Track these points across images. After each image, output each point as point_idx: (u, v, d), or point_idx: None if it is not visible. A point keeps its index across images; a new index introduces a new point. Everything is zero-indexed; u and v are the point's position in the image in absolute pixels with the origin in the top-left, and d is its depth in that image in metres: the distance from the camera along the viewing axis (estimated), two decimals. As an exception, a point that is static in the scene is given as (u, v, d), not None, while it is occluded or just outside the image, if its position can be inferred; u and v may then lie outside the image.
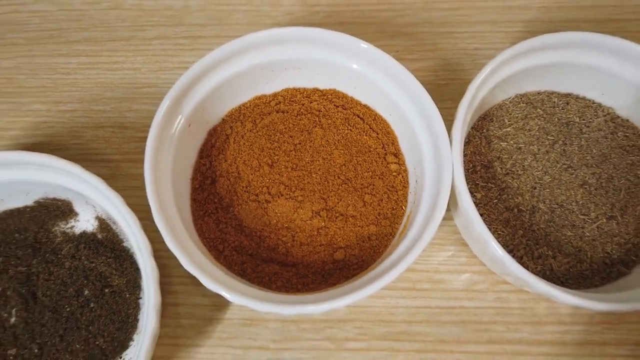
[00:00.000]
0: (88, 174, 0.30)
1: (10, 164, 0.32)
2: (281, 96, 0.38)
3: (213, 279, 0.29)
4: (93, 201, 0.32)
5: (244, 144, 0.36)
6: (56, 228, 0.35)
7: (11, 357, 0.32)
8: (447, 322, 0.35)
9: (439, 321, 0.35)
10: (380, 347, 0.34)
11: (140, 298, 0.34)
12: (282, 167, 0.35)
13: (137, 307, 0.33)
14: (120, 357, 0.33)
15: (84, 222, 0.35)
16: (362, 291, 0.28)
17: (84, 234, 0.35)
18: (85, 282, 0.33)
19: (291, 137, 0.36)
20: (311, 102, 0.37)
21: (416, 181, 0.34)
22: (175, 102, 0.32)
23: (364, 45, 0.33)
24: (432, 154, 0.33)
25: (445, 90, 0.41)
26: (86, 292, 0.33)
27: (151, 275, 0.28)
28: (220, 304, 0.35)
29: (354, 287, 0.30)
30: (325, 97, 0.38)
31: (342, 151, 0.36)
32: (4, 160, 0.31)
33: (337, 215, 0.34)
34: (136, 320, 0.33)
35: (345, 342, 0.35)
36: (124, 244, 0.34)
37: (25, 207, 0.35)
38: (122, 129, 0.39)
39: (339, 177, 0.35)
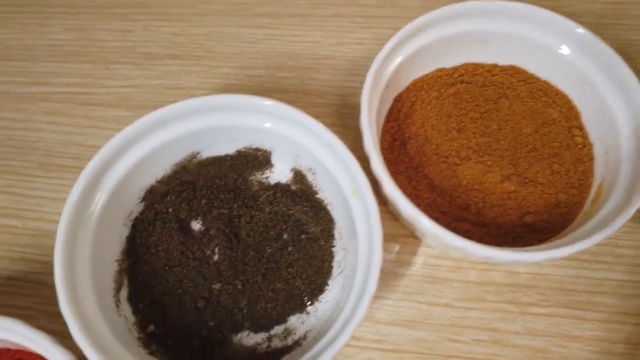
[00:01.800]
0: (311, 119, 0.32)
1: (227, 108, 0.34)
2: (462, 69, 0.39)
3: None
4: (303, 148, 0.34)
5: (431, 110, 0.37)
6: (252, 177, 0.37)
7: (216, 291, 0.34)
8: (631, 295, 0.35)
9: (622, 294, 0.35)
10: (564, 314, 0.35)
11: (334, 246, 0.35)
12: (470, 132, 0.36)
13: (331, 255, 0.35)
14: (317, 300, 0.34)
15: (279, 174, 0.37)
16: (575, 246, 0.29)
17: (278, 184, 0.37)
18: (284, 226, 0.35)
19: (477, 106, 0.37)
20: (493, 76, 0.39)
21: (606, 152, 0.35)
22: (380, 68, 0.34)
23: (572, 24, 0.35)
24: (630, 125, 0.34)
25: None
26: (285, 236, 0.35)
27: (374, 211, 0.30)
28: (402, 260, 0.36)
29: (558, 245, 0.30)
30: (505, 72, 0.39)
31: (529, 121, 0.37)
32: (221, 104, 0.33)
33: (526, 181, 0.35)
34: (330, 267, 0.34)
35: (529, 306, 0.35)
36: (318, 196, 0.36)
37: (227, 156, 0.37)
38: (304, 95, 0.41)
39: (526, 146, 0.36)
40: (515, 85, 0.38)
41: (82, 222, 0.31)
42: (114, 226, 0.34)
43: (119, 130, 0.37)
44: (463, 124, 0.37)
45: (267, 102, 0.32)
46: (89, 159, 0.37)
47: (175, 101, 0.37)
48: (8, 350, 0.31)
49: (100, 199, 0.32)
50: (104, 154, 0.31)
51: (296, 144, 0.34)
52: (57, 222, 0.36)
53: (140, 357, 0.30)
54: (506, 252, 0.29)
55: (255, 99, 0.33)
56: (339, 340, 0.27)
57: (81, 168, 0.37)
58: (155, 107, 0.40)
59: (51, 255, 0.36)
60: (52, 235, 0.36)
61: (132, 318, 0.33)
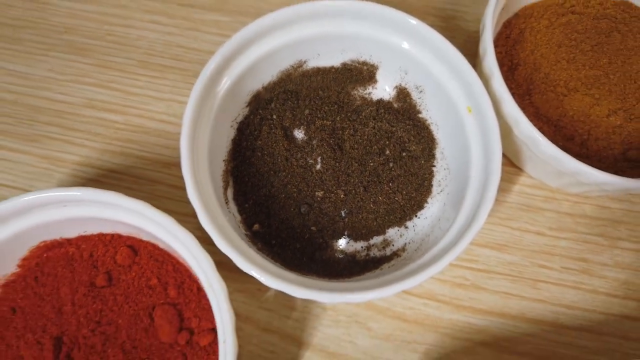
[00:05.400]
0: (436, 33, 0.32)
1: (351, 15, 0.33)
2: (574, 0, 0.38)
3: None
4: (417, 63, 0.34)
5: (541, 38, 0.37)
6: (355, 92, 0.37)
7: (318, 198, 0.34)
8: None
9: None
10: (653, 252, 0.35)
11: (434, 166, 0.35)
12: (580, 64, 0.36)
13: (431, 174, 0.35)
14: (416, 216, 0.34)
15: (381, 91, 0.37)
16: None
17: (380, 101, 0.37)
18: (387, 142, 0.35)
19: (588, 38, 0.37)
20: (605, 10, 0.38)
21: None
22: None
23: None
24: None
25: None
26: (387, 152, 0.35)
27: (495, 129, 0.30)
28: (501, 188, 0.37)
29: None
30: (618, 7, 0.38)
31: (641, 58, 0.36)
32: (334, 9, 0.33)
33: (632, 117, 0.35)
34: (430, 185, 0.35)
35: (618, 241, 0.36)
36: (421, 115, 0.36)
37: (331, 68, 0.37)
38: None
39: (635, 82, 0.36)
40: (628, 20, 0.38)
41: (202, 114, 0.31)
42: (225, 126, 0.34)
43: (220, 34, 0.37)
44: (573, 54, 0.36)
45: (412, 21, 0.32)
46: (190, 62, 0.38)
47: (275, 9, 0.36)
48: (120, 236, 0.32)
49: (218, 93, 0.32)
50: (226, 50, 0.31)
51: (410, 59, 0.34)
52: (159, 120, 0.38)
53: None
54: (620, 180, 0.29)
55: (399, 14, 0.32)
56: (459, 245, 0.28)
57: (183, 70, 0.38)
58: (255, 14, 0.40)
59: (153, 152, 0.37)
60: (154, 132, 0.37)
61: (238, 216, 0.34)
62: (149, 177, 0.36)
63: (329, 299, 0.27)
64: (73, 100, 0.38)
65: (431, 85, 0.34)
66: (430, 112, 0.36)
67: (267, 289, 0.34)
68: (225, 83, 0.33)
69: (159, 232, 0.29)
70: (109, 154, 0.37)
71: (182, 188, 0.36)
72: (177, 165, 0.37)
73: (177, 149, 0.37)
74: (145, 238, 0.32)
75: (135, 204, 0.29)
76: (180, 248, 0.29)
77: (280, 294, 0.34)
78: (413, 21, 0.32)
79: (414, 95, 0.36)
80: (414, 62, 0.34)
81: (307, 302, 0.34)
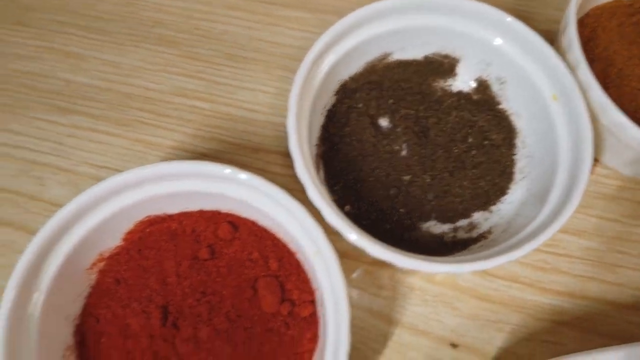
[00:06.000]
0: (520, 22, 0.33)
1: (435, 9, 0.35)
2: (642, 1, 0.40)
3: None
4: (502, 55, 0.35)
5: (614, 36, 0.39)
6: (436, 84, 0.39)
7: (406, 182, 0.36)
8: None
9: None
10: None
11: (515, 154, 0.37)
12: (652, 61, 0.38)
13: (512, 162, 0.37)
14: (500, 201, 0.36)
15: (461, 83, 0.39)
16: None
17: (460, 92, 0.39)
18: (469, 131, 0.37)
19: (659, 36, 0.39)
20: (675, 11, 0.40)
21: None
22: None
23: None
24: None
25: None
26: (470, 139, 0.37)
27: (583, 112, 0.31)
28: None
29: None
30: (685, 9, 0.40)
31: None
32: (427, 4, 0.35)
33: None
34: (512, 172, 0.36)
35: (694, 230, 0.37)
36: (501, 106, 0.38)
37: (413, 61, 0.38)
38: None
39: None
40: (698, 21, 0.39)
41: (303, 98, 0.33)
42: (317, 113, 0.36)
43: (301, 30, 0.39)
44: (645, 52, 0.38)
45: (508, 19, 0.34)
46: (273, 55, 0.40)
47: (356, 7, 0.38)
48: (219, 212, 0.33)
49: (315, 81, 0.34)
50: (325, 39, 0.33)
51: (496, 52, 0.36)
52: (246, 109, 0.39)
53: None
54: None
55: (495, 10, 0.34)
56: (557, 222, 0.29)
57: (266, 62, 0.40)
58: (338, 12, 0.42)
59: (241, 138, 0.38)
60: (241, 119, 0.39)
61: (329, 197, 0.35)
62: (238, 161, 0.38)
63: (434, 268, 0.28)
64: (163, 89, 0.40)
65: (514, 76, 0.36)
66: (511, 102, 0.37)
67: (355, 267, 0.35)
68: (321, 72, 0.34)
69: (265, 203, 0.31)
70: (199, 139, 0.38)
71: (269, 172, 0.38)
72: (264, 150, 0.38)
73: (263, 136, 0.38)
74: (245, 215, 0.33)
75: (247, 176, 0.30)
76: (286, 219, 0.30)
77: (368, 273, 0.35)
78: (508, 18, 0.33)
79: (494, 87, 0.38)
80: (500, 56, 0.36)
81: (395, 282, 0.35)
